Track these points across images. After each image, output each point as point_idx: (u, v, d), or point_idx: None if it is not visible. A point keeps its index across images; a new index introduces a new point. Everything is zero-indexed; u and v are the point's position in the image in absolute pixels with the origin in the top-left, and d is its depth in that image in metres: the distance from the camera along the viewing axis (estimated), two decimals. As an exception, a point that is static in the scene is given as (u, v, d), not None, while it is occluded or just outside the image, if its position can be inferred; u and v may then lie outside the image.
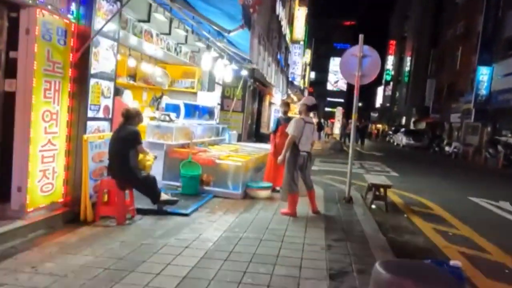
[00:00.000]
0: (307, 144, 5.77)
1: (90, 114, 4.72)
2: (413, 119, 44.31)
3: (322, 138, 25.28)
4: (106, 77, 4.96)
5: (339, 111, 33.10)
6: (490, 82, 26.71)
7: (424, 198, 8.23)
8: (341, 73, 6.76)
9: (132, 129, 4.84)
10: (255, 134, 18.46)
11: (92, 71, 4.65)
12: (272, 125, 7.38)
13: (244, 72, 10.35)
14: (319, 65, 76.34)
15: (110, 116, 5.15)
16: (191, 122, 7.93)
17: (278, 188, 6.59)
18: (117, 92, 8.13)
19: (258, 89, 16.61)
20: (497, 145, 19.34)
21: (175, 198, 5.43)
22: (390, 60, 60.61)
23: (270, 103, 21.48)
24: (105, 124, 5.05)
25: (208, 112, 9.29)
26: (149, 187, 5.10)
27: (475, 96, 26.93)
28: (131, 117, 4.88)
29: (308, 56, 36.56)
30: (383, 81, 63.76)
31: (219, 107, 10.84)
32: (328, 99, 78.01)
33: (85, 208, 4.64)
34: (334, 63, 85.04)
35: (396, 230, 5.62)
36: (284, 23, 22.11)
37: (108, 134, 4.98)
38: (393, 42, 60.30)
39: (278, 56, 21.53)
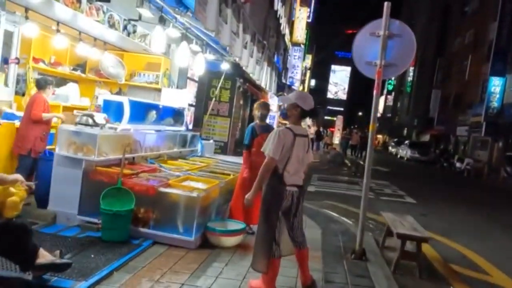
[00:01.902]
0: (298, 172, 3.41)
1: None
2: (415, 131, 42.04)
3: (320, 149, 22.92)
4: None
5: (339, 120, 30.85)
6: (503, 94, 24.56)
7: (465, 247, 5.76)
8: (354, 61, 4.40)
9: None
10: (246, 142, 16.10)
11: None
12: (245, 136, 4.91)
13: (225, 66, 8.02)
14: (320, 73, 74.23)
15: None
16: (140, 128, 5.58)
17: (254, 229, 4.28)
18: (39, 84, 5.86)
19: (250, 91, 14.28)
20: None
21: (65, 261, 3.07)
22: (393, 69, 58.31)
23: (265, 109, 19.15)
24: None
25: (173, 114, 6.94)
26: (12, 244, 2.78)
27: (486, 109, 24.75)
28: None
29: (309, 61, 34.33)
30: (385, 91, 61.50)
31: (192, 109, 8.49)
32: (329, 107, 75.79)
33: None
34: (335, 76, 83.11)
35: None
36: (283, 21, 19.86)
37: None
38: (396, 51, 58.05)
39: (276, 57, 19.25)
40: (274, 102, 19.39)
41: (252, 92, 14.51)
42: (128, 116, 5.33)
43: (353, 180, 11.53)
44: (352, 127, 22.40)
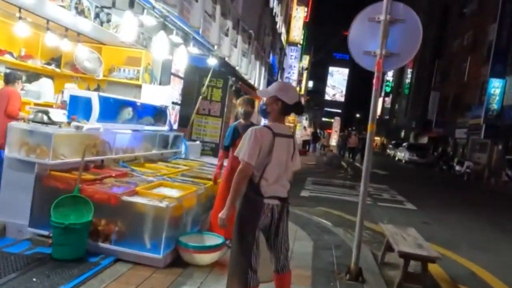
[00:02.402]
0: (279, 180, 2.78)
1: None
2: (413, 133, 41.50)
3: (317, 150, 22.31)
4: None
5: (336, 122, 30.28)
6: (503, 96, 24.04)
7: (473, 262, 5.13)
8: (351, 51, 3.81)
9: None
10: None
11: None
12: (226, 136, 4.29)
13: (212, 61, 7.40)
14: (318, 74, 73.70)
15: None
16: (113, 127, 4.96)
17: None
18: (8, 78, 5.27)
19: (243, 90, 13.66)
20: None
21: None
22: (391, 71, 57.89)
23: (260, 109, 18.55)
24: None
25: (154, 113, 6.32)
26: None
27: (486, 111, 24.22)
28: None
29: (306, 62, 33.73)
30: (383, 93, 61.01)
31: (177, 108, 7.88)
32: (326, 109, 75.28)
33: None
34: (333, 79, 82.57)
35: None
36: (279, 20, 19.28)
37: None
38: (394, 53, 57.59)
39: (271, 56, 18.66)
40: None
41: (245, 92, 13.90)
42: (98, 113, 4.72)
43: (350, 184, 10.94)
44: (350, 128, 21.67)
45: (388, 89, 58.82)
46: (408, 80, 48.96)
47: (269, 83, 17.49)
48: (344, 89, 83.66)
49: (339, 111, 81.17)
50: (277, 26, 19.27)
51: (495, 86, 24.23)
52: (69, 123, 4.44)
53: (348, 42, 3.77)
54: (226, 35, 5.45)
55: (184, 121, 8.25)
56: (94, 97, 4.74)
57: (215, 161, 7.30)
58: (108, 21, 5.58)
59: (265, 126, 2.79)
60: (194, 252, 3.68)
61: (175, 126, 7.82)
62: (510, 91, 23.48)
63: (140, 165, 5.38)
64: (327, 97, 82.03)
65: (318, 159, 18.67)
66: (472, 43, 30.26)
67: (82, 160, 3.74)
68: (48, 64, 6.76)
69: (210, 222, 4.47)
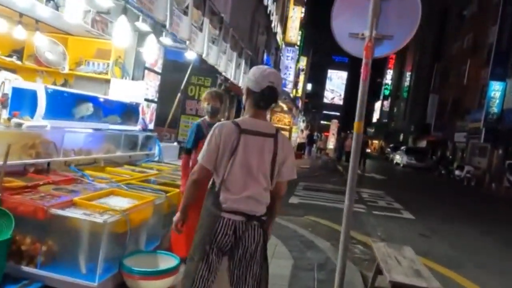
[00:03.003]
0: (246, 191, 2.17)
1: None
2: (412, 136, 40.86)
3: (313, 154, 21.61)
4: None
5: (334, 124, 29.60)
6: (503, 99, 23.43)
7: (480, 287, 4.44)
8: (334, 34, 3.11)
9: None
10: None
11: None
12: (188, 137, 3.55)
13: (191, 55, 6.69)
14: (316, 77, 73.14)
15: None
16: (65, 125, 4.26)
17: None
18: None
19: (234, 91, 12.99)
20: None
21: None
22: (390, 74, 57.34)
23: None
24: None
25: (122, 111, 5.64)
26: None
27: (486, 114, 23.60)
28: None
29: (303, 63, 33.08)
30: (381, 96, 60.45)
31: (153, 106, 7.17)
32: (324, 112, 74.65)
33: None
34: (331, 83, 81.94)
35: None
36: (274, 19, 18.63)
37: None
38: (393, 55, 57.05)
39: (265, 56, 18.01)
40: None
41: (236, 92, 13.23)
42: (44, 109, 4.04)
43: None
44: (348, 131, 20.91)
45: (386, 92, 58.28)
46: (407, 83, 48.41)
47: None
48: (342, 93, 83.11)
49: (338, 114, 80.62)
50: (272, 25, 18.63)
51: (495, 89, 23.64)
52: (9, 120, 3.77)
53: (331, 22, 3.07)
54: (185, 13, 4.73)
55: (161, 120, 7.54)
56: (40, 89, 4.06)
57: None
58: (62, 4, 4.88)
59: (232, 121, 2.20)
60: (140, 278, 2.98)
61: (151, 126, 7.13)
62: (511, 94, 22.87)
63: (99, 169, 4.69)
64: (325, 100, 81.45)
65: (313, 162, 17.97)
66: (472, 45, 29.72)
67: (4, 163, 3.04)
68: (9, 56, 6.07)
69: (171, 239, 3.78)
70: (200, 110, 11.64)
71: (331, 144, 27.09)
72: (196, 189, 2.21)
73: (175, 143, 6.74)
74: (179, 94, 7.35)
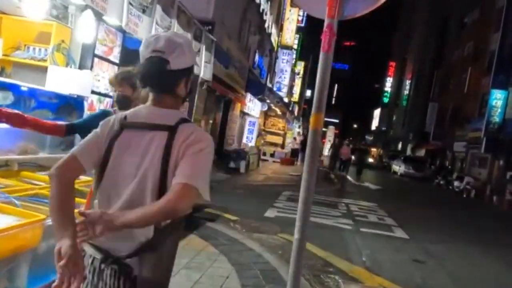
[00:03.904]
0: (115, 204, 1.36)
1: None
2: (410, 145, 39.84)
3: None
4: None
5: (330, 131, 28.60)
6: (505, 108, 22.44)
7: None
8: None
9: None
10: (216, 151, 13.77)
11: None
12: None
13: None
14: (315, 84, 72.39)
15: None
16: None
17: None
18: None
19: (219, 92, 12.00)
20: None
21: None
22: (389, 82, 56.44)
23: (244, 114, 16.88)
24: None
25: (57, 104, 4.61)
26: None
27: (487, 123, 22.60)
28: None
29: (300, 68, 32.14)
30: (381, 103, 59.53)
31: (108, 100, 6.14)
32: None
33: None
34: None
35: None
36: (268, 19, 17.69)
37: None
38: (393, 63, 56.26)
39: (257, 57, 17.05)
40: (255, 107, 17.15)
41: (220, 93, 12.23)
42: None
43: (332, 202, 9.19)
44: (347, 139, 19.83)
45: (386, 100, 57.39)
46: (406, 92, 47.52)
47: (253, 85, 15.86)
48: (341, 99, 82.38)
49: (337, 121, 79.77)
50: (266, 26, 17.68)
51: (497, 97, 22.66)
52: None
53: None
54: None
55: None
56: None
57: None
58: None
59: (122, 112, 1.52)
60: None
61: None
62: (513, 103, 21.95)
63: (9, 174, 3.66)
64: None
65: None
66: (473, 53, 28.83)
67: None
68: None
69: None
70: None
71: (326, 151, 26.03)
72: (63, 192, 1.35)
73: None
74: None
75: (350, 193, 11.54)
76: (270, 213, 6.87)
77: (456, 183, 18.35)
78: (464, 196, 17.11)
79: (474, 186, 17.30)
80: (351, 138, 50.27)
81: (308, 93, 74.05)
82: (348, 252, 5.09)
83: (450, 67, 33.13)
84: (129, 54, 6.48)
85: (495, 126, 22.46)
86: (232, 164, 13.34)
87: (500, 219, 12.35)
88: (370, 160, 26.21)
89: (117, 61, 6.15)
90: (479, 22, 28.71)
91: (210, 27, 10.28)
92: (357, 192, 12.55)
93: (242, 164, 13.20)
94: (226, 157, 13.42)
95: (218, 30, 10.70)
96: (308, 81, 60.06)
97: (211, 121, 13.45)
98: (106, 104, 6.15)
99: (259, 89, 15.50)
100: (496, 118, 22.55)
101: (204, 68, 6.39)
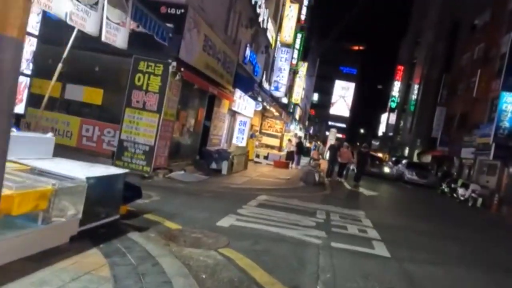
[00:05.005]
0: None
1: None
2: (417, 151, 38.28)
3: (300, 164, 19.29)
4: None
5: (332, 134, 27.30)
6: (516, 113, 20.95)
7: None
8: None
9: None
10: (199, 151, 12.65)
11: None
12: None
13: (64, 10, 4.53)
14: (323, 87, 71.01)
15: None
16: None
17: None
18: None
19: (197, 84, 10.87)
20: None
21: None
22: (397, 86, 54.80)
23: (234, 112, 15.72)
24: None
25: None
26: None
27: (496, 129, 21.10)
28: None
29: (304, 69, 30.89)
30: (388, 108, 57.87)
31: (27, 81, 5.03)
32: (330, 123, 72.20)
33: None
34: (339, 94, 79.32)
35: None
36: (263, 13, 16.54)
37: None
38: (401, 67, 54.60)
39: (249, 51, 15.89)
40: (248, 105, 15.97)
41: (201, 86, 11.09)
42: None
43: (312, 209, 7.92)
44: (346, 142, 18.35)
45: (393, 105, 55.70)
46: (414, 97, 45.90)
47: (240, 79, 14.70)
48: (349, 104, 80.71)
49: (344, 125, 78.09)
50: (261, 20, 16.52)
51: (508, 101, 21.17)
52: None
53: None
54: None
55: (36, 100, 5.42)
56: None
57: (64, 164, 4.48)
58: None
59: None
60: None
61: (21, 108, 5.01)
62: (525, 108, 20.46)
63: None
64: (331, 111, 79.09)
65: (298, 173, 15.67)
66: (483, 56, 27.44)
67: None
68: None
69: None
70: (149, 103, 9.56)
71: (327, 155, 24.67)
72: None
73: (49, 134, 4.62)
74: (60, 65, 5.17)
75: (338, 199, 10.26)
76: (225, 221, 5.67)
77: (460, 191, 16.89)
78: (470, 205, 15.65)
79: (480, 194, 15.83)
80: (358, 143, 48.70)
81: (316, 97, 72.85)
82: (299, 277, 3.87)
83: (459, 70, 31.69)
84: (50, 24, 5.41)
85: (505, 132, 20.99)
86: (214, 165, 12.20)
87: (507, 233, 10.97)
88: (386, 170, 23.71)
89: (36, 33, 5.07)
90: (490, 23, 27.36)
91: (182, 10, 9.20)
92: (347, 199, 11.26)
93: (224, 165, 12.03)
94: (208, 157, 12.27)
95: (193, 16, 9.58)
96: (316, 85, 58.87)
97: (192, 118, 12.32)
98: (25, 83, 5.07)
99: (248, 86, 14.33)
100: (506, 123, 21.08)
101: (114, 32, 5.12)
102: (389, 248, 5.49)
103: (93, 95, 10.07)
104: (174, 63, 9.17)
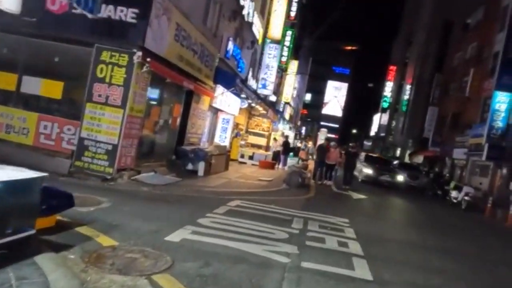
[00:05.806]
0: None
1: None
2: (408, 151, 37.58)
3: (287, 165, 18.29)
4: None
5: (322, 133, 26.38)
6: (509, 112, 20.24)
7: None
8: None
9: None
10: (174, 150, 11.66)
11: None
12: None
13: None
14: (316, 87, 70.21)
15: None
16: None
17: None
18: None
19: (171, 78, 9.89)
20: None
21: None
22: (389, 86, 54.11)
23: (217, 110, 14.75)
24: None
25: None
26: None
27: (489, 129, 20.35)
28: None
29: (294, 67, 29.94)
30: (380, 108, 57.19)
31: None
32: (322, 123, 71.37)
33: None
34: (331, 94, 78.44)
35: None
36: (248, 6, 15.59)
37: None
38: (393, 67, 53.94)
39: (232, 44, 14.92)
40: (232, 102, 15.00)
41: (175, 81, 10.10)
42: None
43: (288, 216, 7.00)
44: (334, 142, 17.03)
45: (385, 105, 54.98)
46: (406, 97, 45.21)
47: (221, 74, 13.75)
48: (342, 104, 79.99)
49: (337, 126, 77.30)
50: (245, 13, 15.57)
51: (501, 100, 20.44)
52: None
53: None
54: None
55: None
56: None
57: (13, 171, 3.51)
58: None
59: None
60: None
61: None
62: (519, 107, 19.75)
63: None
64: (324, 111, 78.31)
65: (283, 174, 14.73)
66: (475, 55, 26.76)
67: None
68: None
69: None
70: (112, 97, 8.57)
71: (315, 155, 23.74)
72: None
73: None
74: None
75: (321, 204, 9.33)
76: (177, 235, 4.70)
77: (453, 194, 16.04)
78: (463, 208, 14.81)
79: (473, 197, 15.00)
80: (350, 144, 47.70)
81: (308, 97, 71.95)
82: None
83: (451, 70, 31.02)
84: None
85: (498, 132, 20.24)
86: (190, 166, 11.23)
87: (507, 242, 10.11)
88: (399, 178, 19.83)
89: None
90: (483, 22, 26.65)
91: (148, -5, 8.21)
92: (331, 203, 10.33)
93: (201, 166, 11.06)
94: (184, 157, 11.30)
95: (161, 1, 8.59)
96: (308, 85, 57.97)
97: (166, 115, 11.34)
98: None
99: (230, 81, 13.36)
100: (500, 123, 20.33)
101: None
102: (372, 268, 4.55)
103: (52, 89, 9.06)
104: (140, 53, 8.20)
